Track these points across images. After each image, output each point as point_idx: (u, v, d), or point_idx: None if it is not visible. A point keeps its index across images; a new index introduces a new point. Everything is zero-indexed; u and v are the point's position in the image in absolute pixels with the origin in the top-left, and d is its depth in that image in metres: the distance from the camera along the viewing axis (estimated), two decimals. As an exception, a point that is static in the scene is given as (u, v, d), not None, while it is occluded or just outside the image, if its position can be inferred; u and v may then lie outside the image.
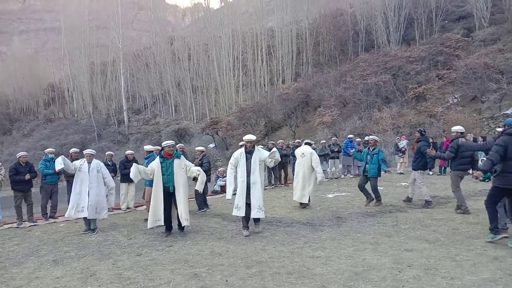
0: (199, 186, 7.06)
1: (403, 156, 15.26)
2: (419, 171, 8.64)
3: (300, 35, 44.12)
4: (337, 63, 39.66)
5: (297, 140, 16.47)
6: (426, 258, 4.87)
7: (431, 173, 13.91)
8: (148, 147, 9.94)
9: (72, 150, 10.26)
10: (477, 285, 3.93)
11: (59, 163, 7.34)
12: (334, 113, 27.66)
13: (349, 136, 15.78)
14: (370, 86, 28.09)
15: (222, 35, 45.26)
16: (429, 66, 28.81)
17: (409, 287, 4.00)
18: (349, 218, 7.60)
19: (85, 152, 7.88)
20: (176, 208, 6.85)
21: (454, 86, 25.42)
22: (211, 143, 34.21)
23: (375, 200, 8.85)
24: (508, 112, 21.96)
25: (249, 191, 6.58)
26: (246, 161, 6.68)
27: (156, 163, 6.94)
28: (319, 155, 14.57)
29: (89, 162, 7.63)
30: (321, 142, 15.86)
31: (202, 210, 9.53)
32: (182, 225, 6.90)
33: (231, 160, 6.93)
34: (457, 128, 7.99)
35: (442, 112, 23.22)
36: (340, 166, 15.45)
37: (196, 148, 10.67)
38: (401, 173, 14.88)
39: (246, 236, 6.52)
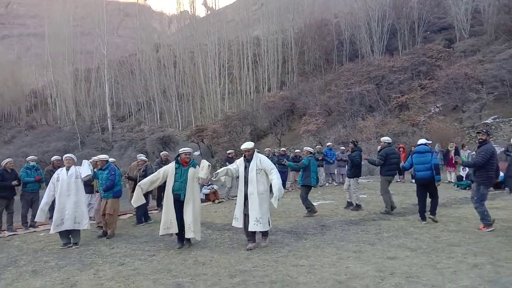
0: (203, 173, 6.44)
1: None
2: (354, 178, 9.36)
3: (285, 44, 44.53)
4: (322, 72, 40.11)
5: (282, 149, 16.54)
6: (408, 266, 4.92)
7: (399, 180, 14.85)
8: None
9: (54, 157, 10.10)
10: (457, 292, 3.99)
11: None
12: (319, 122, 27.93)
13: (327, 144, 16.00)
14: (354, 95, 28.47)
15: (208, 43, 45.32)
16: (412, 76, 29.37)
17: (391, 295, 4.03)
18: (333, 226, 7.64)
19: (64, 156, 7.43)
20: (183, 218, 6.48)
21: (436, 96, 25.95)
22: (196, 150, 34.05)
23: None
24: (488, 121, 22.52)
25: (247, 202, 6.25)
26: (244, 170, 6.36)
27: (171, 168, 6.64)
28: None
29: (68, 168, 7.16)
30: (304, 149, 15.94)
31: (141, 224, 9.11)
32: (186, 236, 6.48)
33: (233, 165, 6.61)
34: (385, 138, 9.23)
35: (425, 121, 23.65)
36: (324, 174, 15.57)
37: (138, 158, 10.09)
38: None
39: (248, 249, 6.10)
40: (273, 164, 6.50)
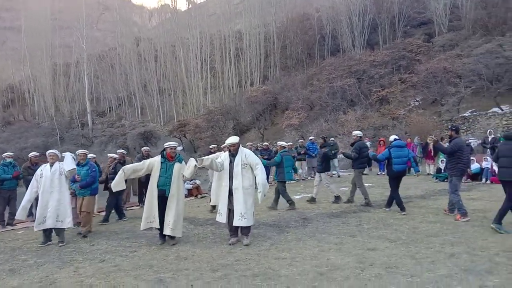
0: (188, 173, 6.40)
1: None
2: (325, 173, 9.70)
3: (268, 38, 44.44)
4: (304, 66, 40.23)
5: (265, 143, 16.59)
6: (388, 257, 5.01)
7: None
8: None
9: (32, 154, 9.90)
10: (434, 281, 4.08)
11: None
12: (301, 116, 28.05)
13: (310, 138, 16.15)
14: (336, 89, 28.67)
15: (189, 37, 44.88)
16: (392, 70, 29.71)
17: (371, 286, 4.10)
18: (315, 219, 7.72)
19: (48, 152, 7.18)
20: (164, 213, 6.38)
21: (416, 90, 26.33)
22: (179, 145, 33.81)
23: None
24: (465, 114, 23.02)
25: (232, 197, 6.21)
26: (229, 165, 6.31)
27: (156, 162, 6.51)
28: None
29: (52, 164, 6.94)
30: (287, 144, 16.04)
31: (107, 222, 8.89)
32: (164, 233, 6.40)
33: (219, 159, 6.50)
34: (357, 132, 9.57)
35: (404, 115, 24.00)
36: (306, 168, 15.70)
37: (109, 155, 9.96)
38: (364, 174, 15.24)
39: (231, 243, 6.12)
40: (258, 159, 6.47)
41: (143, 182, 11.16)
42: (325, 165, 9.73)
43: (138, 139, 34.58)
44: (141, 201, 11.43)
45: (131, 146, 33.76)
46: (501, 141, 6.71)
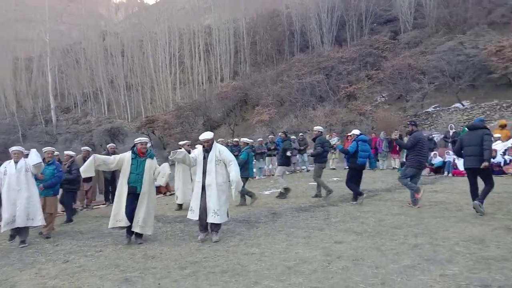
0: (162, 181, 6.46)
1: (334, 152, 15.91)
2: (283, 166, 9.88)
3: (237, 33, 44.32)
4: (274, 62, 40.39)
5: (235, 139, 16.55)
6: (354, 249, 5.11)
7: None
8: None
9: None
10: (398, 272, 4.20)
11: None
12: (271, 112, 28.21)
13: (279, 134, 16.26)
14: (305, 85, 28.97)
15: (158, 31, 44.15)
16: (359, 67, 30.31)
17: (338, 278, 4.17)
18: (284, 214, 7.78)
19: (11, 149, 6.85)
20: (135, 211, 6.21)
21: (382, 86, 26.98)
22: (148, 142, 33.23)
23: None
24: (429, 110, 23.81)
25: (205, 193, 6.07)
26: (203, 160, 6.16)
27: (127, 158, 6.28)
28: (256, 153, 14.93)
29: (16, 162, 6.64)
30: (258, 140, 16.13)
31: (72, 222, 8.72)
32: (133, 229, 6.21)
33: (192, 154, 6.38)
34: (318, 128, 9.79)
35: (371, 110, 24.55)
36: (276, 163, 15.78)
37: (65, 152, 9.69)
38: (333, 168, 15.53)
39: (200, 240, 6.04)
40: (232, 156, 6.39)
41: (109, 180, 10.96)
42: (284, 160, 9.85)
43: (104, 136, 33.77)
44: (108, 199, 11.19)
45: (98, 143, 32.92)
46: (464, 132, 7.04)
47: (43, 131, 42.84)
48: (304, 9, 40.24)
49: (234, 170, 6.10)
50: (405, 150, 8.32)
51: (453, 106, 22.85)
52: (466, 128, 7.06)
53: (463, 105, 22.32)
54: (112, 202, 10.84)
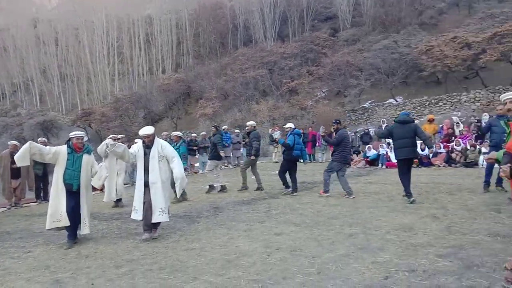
0: (98, 184, 6.14)
1: (277, 146, 16.17)
2: (213, 160, 10.05)
3: (180, 25, 43.42)
4: (218, 55, 40.15)
5: (177, 132, 16.23)
6: (293, 240, 5.22)
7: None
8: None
9: None
10: (333, 261, 4.35)
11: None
12: (215, 105, 28.08)
13: (223, 127, 16.26)
14: (248, 79, 29.14)
15: (94, 19, 41.99)
16: (301, 62, 31.03)
17: (276, 269, 4.23)
18: (226, 207, 7.77)
19: None
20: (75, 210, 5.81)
21: (322, 82, 27.85)
22: (84, 136, 31.64)
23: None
24: (365, 105, 24.97)
25: (149, 191, 5.77)
26: (144, 157, 5.84)
27: (62, 152, 5.80)
28: (199, 147, 14.76)
29: None
30: (201, 133, 15.94)
31: None
32: (82, 232, 5.89)
33: (131, 150, 5.98)
34: (251, 123, 10.21)
35: (312, 105, 25.27)
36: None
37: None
38: (276, 162, 15.78)
39: (144, 239, 5.69)
40: (175, 151, 6.14)
41: (40, 177, 10.30)
42: (214, 154, 9.93)
43: (36, 129, 31.65)
44: (39, 196, 10.51)
45: (29, 137, 30.62)
46: (394, 125, 7.55)
47: (-34, 124, 39.24)
48: (247, 3, 40.33)
49: (178, 167, 5.90)
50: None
51: (387, 101, 24.15)
52: (397, 122, 7.46)
53: (397, 101, 23.65)
54: (44, 200, 10.37)
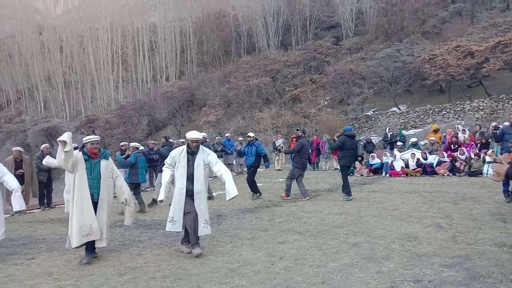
0: (128, 220, 5.69)
1: (279, 154, 16.17)
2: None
3: (183, 33, 43.69)
4: (221, 63, 40.33)
5: (181, 140, 16.23)
6: (297, 249, 5.20)
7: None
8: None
9: None
10: (338, 270, 4.32)
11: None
12: (218, 113, 28.13)
13: (226, 135, 16.29)
14: (252, 87, 29.20)
15: (99, 27, 42.33)
16: (304, 71, 31.12)
17: (280, 278, 4.21)
18: (229, 215, 7.76)
19: None
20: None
21: (325, 90, 27.88)
22: (98, 141, 31.73)
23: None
24: (369, 113, 24.95)
25: (192, 201, 5.29)
26: (187, 164, 5.31)
27: (80, 159, 5.25)
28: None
29: None
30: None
31: None
32: (99, 246, 5.34)
33: (167, 159, 5.53)
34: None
35: (315, 113, 25.25)
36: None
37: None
38: (279, 170, 15.77)
39: (197, 254, 5.13)
40: (213, 154, 5.64)
41: (44, 184, 10.33)
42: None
43: (40, 136, 31.79)
44: (43, 203, 10.53)
45: (33, 144, 30.93)
46: (345, 138, 9.07)
47: (-29, 131, 39.47)
48: (251, 11, 40.59)
49: (225, 171, 5.48)
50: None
51: (390, 110, 24.11)
52: (345, 135, 9.12)
53: (400, 109, 23.62)
54: (47, 206, 10.37)
